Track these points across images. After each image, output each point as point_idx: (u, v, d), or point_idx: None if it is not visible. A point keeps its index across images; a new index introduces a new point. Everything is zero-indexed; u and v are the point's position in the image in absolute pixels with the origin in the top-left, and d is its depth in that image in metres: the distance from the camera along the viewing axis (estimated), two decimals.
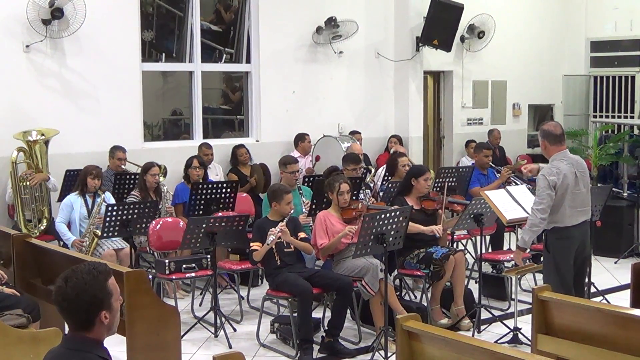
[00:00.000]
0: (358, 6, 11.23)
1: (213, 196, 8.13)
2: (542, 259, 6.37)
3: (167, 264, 7.02)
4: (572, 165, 5.96)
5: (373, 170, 9.64)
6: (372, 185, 8.74)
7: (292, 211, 6.77)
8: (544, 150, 6.08)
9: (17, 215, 8.09)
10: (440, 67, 12.39)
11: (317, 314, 6.87)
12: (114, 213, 7.10)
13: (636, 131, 11.58)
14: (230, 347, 6.50)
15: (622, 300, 7.14)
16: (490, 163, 9.24)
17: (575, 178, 5.95)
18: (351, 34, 10.81)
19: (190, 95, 10.23)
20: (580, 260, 6.11)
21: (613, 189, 9.27)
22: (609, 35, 13.81)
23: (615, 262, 9.39)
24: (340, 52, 10.98)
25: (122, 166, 8.81)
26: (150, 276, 7.06)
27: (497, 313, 7.33)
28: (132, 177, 8.51)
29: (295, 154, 9.94)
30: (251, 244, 6.59)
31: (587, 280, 7.28)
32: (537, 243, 8.69)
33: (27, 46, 8.50)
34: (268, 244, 6.40)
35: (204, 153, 9.41)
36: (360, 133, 10.86)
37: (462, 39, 12.31)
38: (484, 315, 7.06)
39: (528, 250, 6.16)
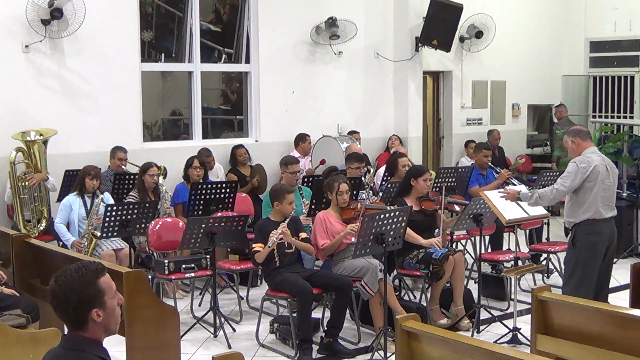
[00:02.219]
0: (357, 6, 11.23)
1: (212, 196, 8.12)
2: (564, 258, 6.41)
3: (166, 264, 7.02)
4: (603, 160, 6.13)
5: (372, 170, 9.63)
6: (371, 185, 8.75)
7: (293, 211, 6.76)
8: (575, 148, 6.21)
9: (16, 216, 8.09)
10: (439, 67, 12.39)
11: (316, 314, 6.87)
12: (113, 213, 7.09)
13: (635, 131, 11.59)
14: (229, 347, 6.50)
15: (621, 300, 7.14)
16: (490, 163, 9.24)
17: (606, 171, 6.10)
18: (350, 37, 10.79)
19: (189, 95, 10.22)
20: (607, 259, 6.16)
21: None
22: (608, 36, 13.81)
23: (615, 262, 9.35)
24: (340, 52, 10.98)
25: (123, 166, 8.80)
26: (150, 276, 7.06)
27: (496, 313, 7.34)
28: (132, 177, 8.50)
29: (296, 154, 9.93)
30: (253, 245, 6.58)
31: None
32: (536, 243, 8.75)
33: (26, 46, 8.50)
34: (269, 247, 6.40)
35: (205, 161, 9.35)
36: (358, 133, 10.86)
37: (462, 39, 12.31)
38: (484, 315, 7.07)
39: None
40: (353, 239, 6.48)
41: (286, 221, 6.55)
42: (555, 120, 13.20)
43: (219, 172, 9.63)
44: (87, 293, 2.80)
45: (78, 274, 2.81)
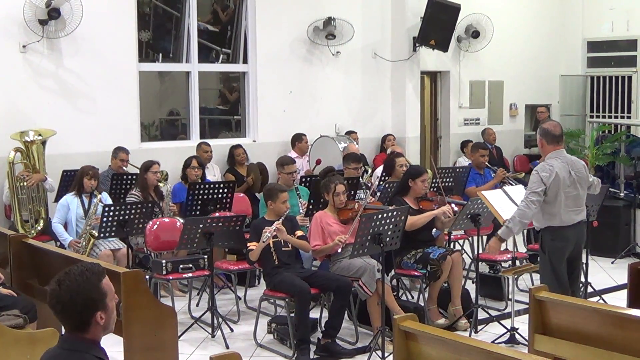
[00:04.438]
0: (355, 6, 11.23)
1: (210, 196, 8.12)
2: (538, 259, 6.40)
3: (164, 264, 7.02)
4: (567, 165, 5.99)
5: (370, 171, 9.63)
6: (369, 185, 8.74)
7: (288, 210, 6.76)
8: (541, 148, 6.12)
9: (14, 216, 8.09)
10: (437, 67, 12.39)
11: (314, 314, 6.87)
12: (111, 213, 7.09)
13: (633, 131, 11.60)
14: (227, 347, 6.50)
15: (619, 300, 7.16)
16: (487, 163, 9.25)
17: (570, 177, 5.97)
18: (347, 37, 10.79)
19: (187, 95, 10.22)
20: (573, 259, 6.12)
21: (610, 189, 9.28)
22: (605, 36, 13.82)
23: (612, 262, 9.41)
24: (337, 53, 10.98)
25: (124, 167, 8.80)
26: (147, 276, 7.06)
27: (494, 313, 7.34)
28: (130, 177, 8.50)
29: (293, 154, 9.93)
30: (248, 244, 6.59)
31: (583, 280, 7.32)
32: (534, 243, 8.76)
33: (23, 46, 8.49)
34: (264, 242, 6.40)
35: (203, 150, 9.44)
36: (356, 133, 10.87)
37: (459, 39, 12.31)
38: (481, 315, 7.07)
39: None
40: (339, 250, 6.50)
41: (281, 219, 6.56)
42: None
43: (215, 171, 9.64)
44: (92, 297, 2.81)
45: (82, 277, 2.81)
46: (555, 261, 6.00)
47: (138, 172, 8.32)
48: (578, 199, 6.05)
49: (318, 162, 9.74)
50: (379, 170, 9.02)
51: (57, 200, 8.13)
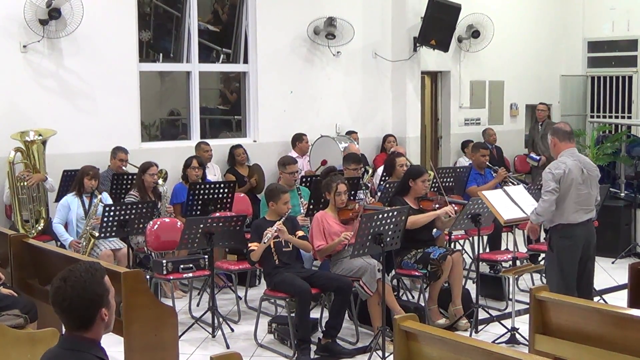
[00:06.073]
0: (355, 6, 11.23)
1: (210, 196, 8.13)
2: (544, 257, 6.40)
3: (164, 264, 7.02)
4: (580, 163, 6.04)
5: (370, 171, 9.63)
6: (370, 185, 8.75)
7: (289, 210, 6.76)
8: (552, 148, 6.16)
9: (15, 216, 8.09)
10: (437, 67, 12.38)
11: (314, 314, 6.87)
12: (112, 213, 7.09)
13: (633, 131, 11.60)
14: (227, 347, 6.50)
15: (619, 300, 7.16)
16: (487, 163, 9.25)
17: (582, 175, 6.02)
18: (347, 37, 10.78)
19: (187, 95, 10.22)
20: (585, 260, 6.13)
21: (610, 189, 9.28)
22: (606, 36, 13.82)
23: (613, 262, 9.41)
24: (338, 53, 10.97)
25: (123, 167, 8.79)
26: (148, 276, 7.06)
27: (494, 313, 7.34)
28: (130, 177, 8.50)
29: (293, 154, 9.92)
30: (249, 245, 6.59)
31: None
32: (534, 243, 8.76)
33: (24, 46, 8.49)
34: (265, 242, 6.40)
35: (203, 150, 9.43)
36: (356, 133, 10.86)
37: (460, 39, 12.31)
38: (482, 315, 7.06)
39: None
40: (346, 247, 6.50)
41: (282, 219, 6.56)
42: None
43: (215, 171, 9.64)
44: (98, 293, 2.83)
45: (88, 274, 2.83)
46: (564, 260, 6.00)
47: (138, 170, 8.32)
48: (589, 198, 6.09)
49: (324, 162, 9.72)
50: (380, 170, 9.02)
51: (57, 200, 8.13)
